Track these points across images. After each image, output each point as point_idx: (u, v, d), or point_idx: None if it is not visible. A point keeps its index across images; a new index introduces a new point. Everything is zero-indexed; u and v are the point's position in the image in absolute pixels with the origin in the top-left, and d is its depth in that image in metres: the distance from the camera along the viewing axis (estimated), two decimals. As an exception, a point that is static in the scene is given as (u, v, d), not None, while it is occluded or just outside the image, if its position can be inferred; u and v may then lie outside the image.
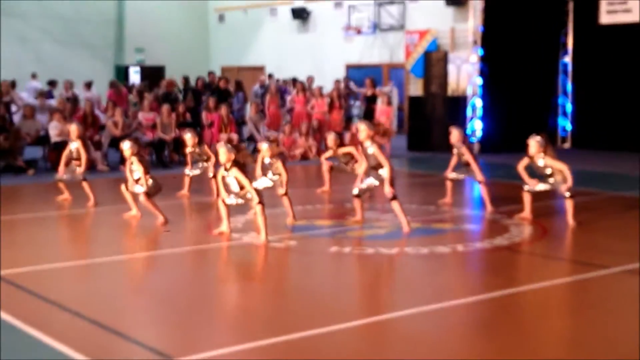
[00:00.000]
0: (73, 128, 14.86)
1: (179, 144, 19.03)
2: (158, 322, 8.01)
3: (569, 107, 25.54)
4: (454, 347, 7.21)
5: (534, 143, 12.62)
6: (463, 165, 14.30)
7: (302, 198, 15.05)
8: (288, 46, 34.51)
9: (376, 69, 31.43)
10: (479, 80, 23.59)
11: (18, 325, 7.54)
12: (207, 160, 15.29)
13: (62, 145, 15.17)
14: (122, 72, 35.16)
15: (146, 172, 12.80)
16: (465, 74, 26.07)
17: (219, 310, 8.53)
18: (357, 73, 30.80)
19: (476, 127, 23.52)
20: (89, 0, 34.82)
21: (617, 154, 22.77)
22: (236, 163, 11.30)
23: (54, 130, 19.40)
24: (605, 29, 23.87)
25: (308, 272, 10.32)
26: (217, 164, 12.61)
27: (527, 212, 12.99)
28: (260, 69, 34.08)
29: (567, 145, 25.43)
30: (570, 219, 12.56)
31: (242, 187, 11.34)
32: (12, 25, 32.85)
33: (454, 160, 14.44)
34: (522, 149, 12.87)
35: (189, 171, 15.57)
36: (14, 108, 22.20)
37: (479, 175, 14.09)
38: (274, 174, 13.09)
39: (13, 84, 23.95)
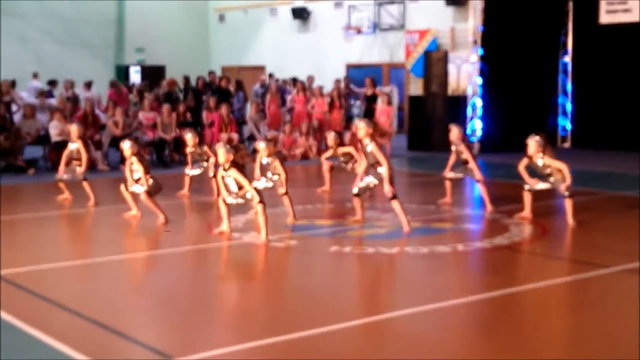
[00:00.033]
0: (73, 128, 14.87)
1: (180, 143, 19.04)
2: (158, 322, 8.01)
3: (568, 107, 25.57)
4: (454, 347, 7.21)
5: (533, 143, 12.64)
6: (462, 164, 14.32)
7: (303, 197, 15.05)
8: (288, 46, 34.53)
9: (376, 69, 31.46)
10: (479, 80, 23.61)
11: (18, 325, 7.54)
12: (208, 160, 15.30)
13: (63, 144, 15.18)
14: (122, 72, 35.16)
15: (146, 171, 12.82)
16: (465, 74, 26.10)
17: (219, 309, 8.53)
18: (357, 73, 30.82)
19: (476, 126, 23.54)
20: (90, 1, 34.83)
21: (617, 153, 22.79)
22: (235, 164, 11.30)
23: (54, 130, 19.41)
24: (605, 29, 23.90)
25: (308, 272, 10.32)
26: (217, 164, 12.61)
27: (527, 212, 13.01)
28: (261, 69, 34.09)
29: (567, 144, 25.45)
30: (569, 219, 12.57)
31: (240, 188, 11.35)
32: (12, 25, 32.86)
33: (452, 159, 14.46)
34: (522, 149, 12.87)
35: (189, 171, 15.58)
36: (14, 108, 22.19)
37: (478, 175, 14.12)
38: (273, 174, 13.09)
39: (13, 84, 23.94)
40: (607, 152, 23.16)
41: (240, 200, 11.42)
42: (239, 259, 10.99)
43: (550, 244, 11.83)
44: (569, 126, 25.62)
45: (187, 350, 6.84)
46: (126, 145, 13.03)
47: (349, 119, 24.79)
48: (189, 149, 15.56)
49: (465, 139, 14.72)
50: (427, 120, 24.31)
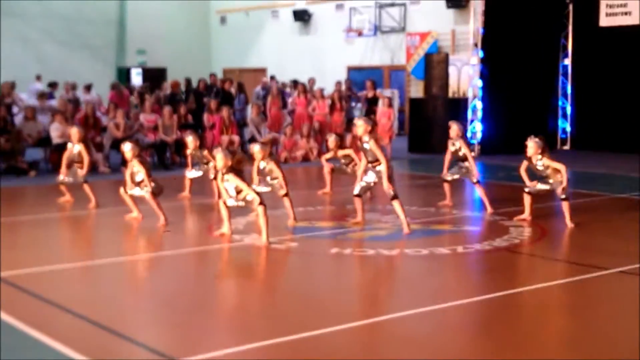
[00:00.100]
0: (74, 131, 14.90)
1: (181, 145, 19.06)
2: (159, 323, 8.05)
3: (568, 109, 25.59)
4: (454, 348, 7.24)
5: (533, 144, 12.70)
6: (459, 161, 14.35)
7: (303, 200, 15.08)
8: (289, 48, 34.58)
9: (377, 71, 31.50)
10: (480, 83, 23.63)
11: (19, 326, 7.57)
12: (208, 163, 15.32)
13: (64, 147, 15.20)
14: (123, 74, 35.22)
15: (148, 173, 12.88)
16: (465, 76, 26.15)
17: (220, 311, 8.56)
18: (358, 75, 30.88)
19: (477, 129, 23.56)
20: (91, 1, 34.86)
21: (616, 155, 22.80)
22: (233, 168, 11.34)
23: (55, 132, 19.45)
24: (604, 32, 23.90)
25: (309, 274, 10.35)
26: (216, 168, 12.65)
27: (527, 214, 13.06)
28: (262, 71, 34.14)
29: (566, 147, 25.48)
30: (567, 221, 12.62)
31: (239, 192, 11.38)
32: (13, 25, 32.90)
33: (448, 157, 14.51)
34: (522, 151, 12.91)
35: (189, 173, 15.62)
36: (15, 109, 22.23)
37: (475, 175, 14.20)
38: (272, 179, 13.10)
39: (12, 85, 23.95)
40: (606, 154, 23.17)
41: (241, 204, 11.45)
42: (240, 260, 11.01)
43: (549, 246, 11.88)
44: (568, 128, 25.64)
45: (188, 352, 6.87)
46: (127, 148, 13.07)
47: (350, 121, 24.80)
48: (189, 151, 15.59)
49: (465, 135, 14.77)
50: (428, 122, 24.32)
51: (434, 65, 24.86)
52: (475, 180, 14.29)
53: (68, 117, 20.20)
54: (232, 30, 37.61)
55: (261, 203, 11.21)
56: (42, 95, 23.22)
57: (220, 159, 11.31)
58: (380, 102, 23.87)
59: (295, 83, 26.50)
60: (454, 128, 14.39)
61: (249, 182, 11.63)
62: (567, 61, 25.47)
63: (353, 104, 25.45)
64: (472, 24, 24.04)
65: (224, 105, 22.58)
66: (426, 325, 7.90)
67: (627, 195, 16.03)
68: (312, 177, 19.61)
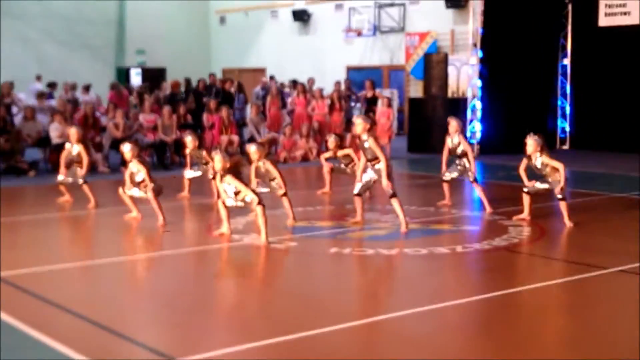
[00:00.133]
0: (73, 131, 14.91)
1: (180, 145, 19.07)
2: (159, 323, 8.06)
3: (567, 109, 25.60)
4: (453, 347, 7.25)
5: (532, 142, 12.73)
6: (457, 158, 14.37)
7: (303, 199, 15.10)
8: (289, 48, 34.60)
9: (376, 71, 31.53)
10: (479, 82, 23.64)
11: (19, 326, 7.58)
12: (207, 163, 15.33)
13: (63, 147, 15.19)
14: (123, 74, 35.24)
15: (149, 173, 12.91)
16: (465, 76, 26.17)
17: (219, 311, 8.58)
18: (358, 75, 30.91)
19: (476, 128, 23.58)
20: (91, 2, 34.89)
21: (615, 155, 22.83)
22: (231, 170, 11.36)
23: (54, 132, 19.46)
24: (603, 32, 23.92)
25: (308, 273, 10.36)
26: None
27: (526, 214, 13.08)
28: (261, 71, 34.17)
29: (566, 146, 25.50)
30: (566, 221, 12.63)
31: (237, 193, 11.40)
32: (13, 26, 32.93)
33: (445, 153, 14.54)
34: (522, 151, 12.93)
35: (188, 173, 15.65)
36: (14, 110, 22.24)
37: (473, 172, 14.24)
38: (270, 179, 13.11)
39: (11, 85, 23.95)
40: (605, 154, 23.21)
41: (240, 204, 11.47)
42: (239, 260, 11.02)
43: (548, 246, 11.89)
44: (568, 128, 25.66)
45: (187, 351, 6.88)
46: (126, 149, 13.10)
47: (349, 121, 24.82)
48: (188, 151, 15.61)
49: (464, 131, 14.81)
50: (427, 122, 24.33)
51: (433, 65, 24.88)
52: (472, 179, 14.31)
53: (67, 117, 20.22)
54: (231, 30, 37.63)
55: (260, 203, 11.23)
56: (40, 95, 23.24)
57: (218, 161, 11.32)
58: (379, 102, 23.89)
59: (294, 83, 26.52)
60: (453, 124, 14.43)
61: (247, 183, 11.64)
62: (566, 61, 25.49)
63: (352, 103, 25.47)
64: (472, 24, 24.05)
65: (224, 105, 22.59)
66: (425, 324, 7.91)
67: (626, 195, 16.05)
68: (312, 177, 19.63)
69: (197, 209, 14.80)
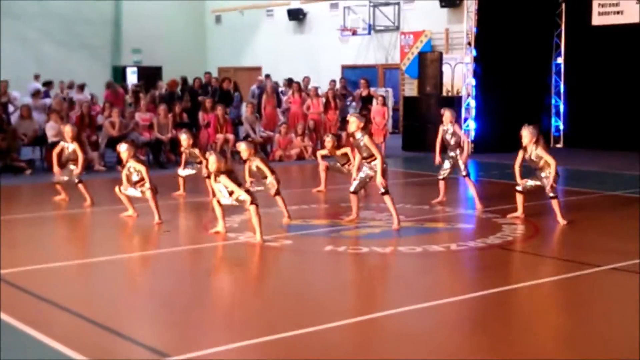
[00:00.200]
0: (67, 129, 14.90)
1: (176, 144, 19.10)
2: (155, 321, 8.11)
3: (561, 108, 25.67)
4: (448, 345, 7.31)
5: (527, 133, 12.70)
6: (451, 150, 14.43)
7: (298, 198, 15.15)
8: (284, 47, 34.61)
9: (371, 70, 31.57)
10: (473, 81, 23.71)
11: (15, 324, 7.62)
12: (201, 162, 15.35)
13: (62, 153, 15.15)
14: (119, 73, 35.25)
15: (148, 172, 12.99)
16: (459, 75, 26.18)
17: (215, 309, 8.63)
18: (353, 74, 30.94)
19: (470, 127, 23.63)
20: (88, 2, 34.91)
21: (609, 153, 22.90)
22: (224, 170, 11.42)
23: (50, 131, 19.49)
24: (597, 30, 23.98)
25: (303, 271, 10.42)
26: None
27: (519, 212, 13.11)
28: (257, 70, 34.18)
29: (559, 145, 25.54)
30: (559, 219, 12.67)
31: (231, 193, 11.46)
32: (12, 26, 32.95)
33: (439, 142, 14.58)
34: (516, 149, 12.95)
35: (182, 172, 15.70)
36: (11, 108, 22.27)
37: (465, 166, 14.35)
38: (262, 178, 13.15)
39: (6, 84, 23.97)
40: (599, 152, 23.25)
41: (235, 203, 11.53)
42: (235, 258, 11.06)
43: (542, 244, 11.96)
44: (561, 126, 25.71)
45: (183, 349, 6.93)
46: (123, 148, 13.16)
47: (344, 120, 24.84)
48: (183, 149, 15.64)
49: (458, 121, 14.85)
50: (422, 121, 24.34)
51: (428, 64, 24.91)
52: (465, 173, 14.39)
53: (63, 116, 20.25)
54: (227, 29, 37.65)
55: (252, 202, 11.28)
56: (36, 94, 23.28)
57: (213, 161, 11.38)
58: (374, 101, 23.94)
59: (290, 82, 26.55)
60: (447, 114, 14.51)
61: (241, 183, 11.69)
62: (560, 60, 25.54)
63: (348, 102, 25.51)
64: (466, 23, 24.09)
65: (221, 104, 22.65)
66: (420, 322, 7.97)
67: (619, 193, 16.11)
68: (307, 175, 19.69)
69: (192, 207, 14.84)
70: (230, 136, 21.80)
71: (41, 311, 8.27)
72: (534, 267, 10.58)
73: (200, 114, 22.39)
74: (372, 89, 25.34)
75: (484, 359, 6.91)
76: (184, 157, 15.75)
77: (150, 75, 32.62)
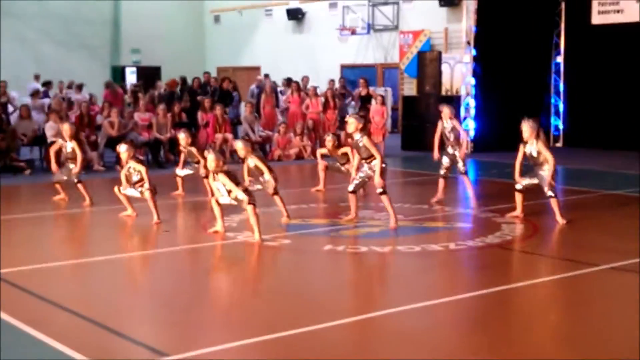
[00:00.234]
0: (66, 127, 14.90)
1: (175, 144, 19.11)
2: (154, 321, 8.12)
3: (561, 107, 25.68)
4: (447, 344, 7.31)
5: (527, 127, 12.64)
6: (450, 146, 14.42)
7: (297, 197, 15.16)
8: (283, 47, 34.64)
9: (370, 69, 31.59)
10: (472, 80, 23.73)
11: (15, 323, 7.63)
12: (198, 162, 15.35)
13: (60, 151, 15.14)
14: (118, 73, 35.28)
15: (147, 173, 12.99)
16: (458, 74, 26.21)
17: (213, 308, 8.63)
18: (352, 73, 30.96)
19: (469, 126, 23.63)
20: (87, 2, 34.92)
21: (608, 152, 22.92)
22: (223, 169, 11.42)
23: (50, 131, 19.49)
24: (597, 29, 23.99)
25: (302, 270, 10.42)
26: (206, 168, 12.70)
27: (518, 211, 13.10)
28: (256, 70, 34.20)
29: (559, 144, 25.55)
30: (558, 217, 12.64)
31: (230, 192, 11.46)
32: (11, 26, 32.97)
33: (437, 137, 14.58)
34: (515, 148, 12.92)
35: (180, 171, 15.71)
36: (10, 108, 22.29)
37: (463, 162, 14.38)
38: (260, 176, 13.15)
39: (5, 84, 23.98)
40: (599, 151, 23.26)
41: (233, 202, 11.54)
42: (233, 258, 11.07)
43: (541, 243, 11.97)
44: (561, 126, 25.73)
45: (182, 348, 6.93)
46: (123, 149, 13.17)
47: (343, 119, 24.84)
48: (181, 147, 15.63)
49: (457, 116, 14.84)
50: (421, 120, 24.34)
51: (427, 63, 24.92)
52: (462, 171, 14.39)
53: (63, 116, 20.25)
54: (226, 29, 37.67)
55: (250, 202, 11.28)
56: (35, 94, 23.29)
57: (211, 160, 11.39)
58: (373, 100, 23.95)
59: (289, 81, 26.57)
60: (446, 111, 14.51)
61: (239, 182, 11.68)
62: (560, 59, 25.57)
63: (347, 101, 25.51)
64: (465, 22, 24.14)
65: (222, 103, 22.68)
66: (419, 321, 7.97)
67: (619, 192, 16.10)
68: (306, 174, 19.69)
69: (191, 207, 14.86)
70: (229, 136, 21.80)
71: (40, 310, 8.28)
72: (533, 266, 10.59)
73: (199, 114, 22.42)
74: (371, 89, 25.37)
75: (483, 358, 6.89)
76: (182, 156, 15.75)
77: (149, 75, 32.65)
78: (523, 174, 12.92)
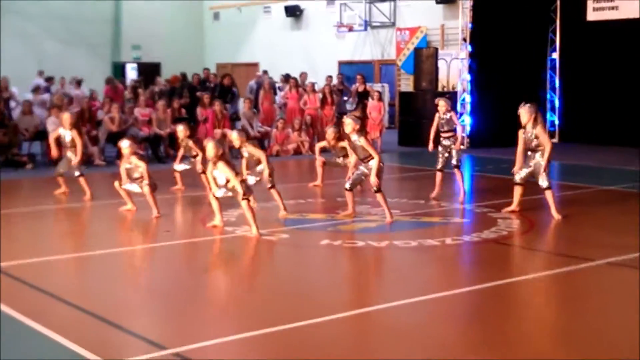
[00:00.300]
0: (66, 117, 14.95)
1: (174, 139, 19.18)
2: (153, 314, 8.19)
3: (557, 103, 25.75)
4: (442, 338, 7.36)
5: (524, 111, 12.71)
6: (445, 138, 14.53)
7: (295, 192, 15.23)
8: (281, 43, 34.68)
9: (368, 66, 31.67)
10: (468, 77, 23.81)
11: (16, 316, 7.70)
12: (196, 156, 15.43)
13: (59, 138, 15.15)
14: (119, 69, 35.32)
15: (147, 169, 13.09)
16: (455, 70, 26.28)
17: (212, 301, 8.71)
18: (349, 69, 31.02)
19: (466, 122, 23.71)
20: (88, 0, 34.96)
21: (604, 148, 22.97)
22: (222, 157, 11.52)
23: (52, 126, 19.52)
24: (592, 26, 24.05)
25: (299, 265, 10.48)
26: (205, 158, 12.80)
27: (514, 205, 13.11)
28: (254, 66, 34.26)
29: (555, 140, 25.58)
30: (553, 212, 12.68)
31: (228, 181, 11.54)
32: (13, 23, 33.01)
33: (434, 129, 14.70)
34: (511, 144, 12.98)
35: (177, 166, 15.78)
36: (12, 104, 22.38)
37: (457, 155, 14.48)
38: (256, 164, 13.24)
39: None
40: (594, 147, 23.28)
41: (229, 193, 11.60)
42: (232, 252, 11.16)
43: (537, 238, 12.01)
44: (557, 122, 25.78)
45: (180, 341, 7.00)
46: (125, 145, 13.23)
47: (342, 115, 24.90)
48: (180, 140, 15.69)
49: (454, 109, 14.89)
50: (417, 116, 24.38)
51: (424, 59, 24.96)
52: (455, 164, 14.48)
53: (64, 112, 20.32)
54: (225, 26, 37.74)
55: (244, 197, 11.36)
56: (36, 89, 23.39)
57: (211, 148, 11.45)
58: (370, 96, 24.01)
59: (287, 77, 26.64)
60: (442, 104, 14.60)
61: (238, 172, 11.76)
62: (555, 55, 25.62)
63: (345, 97, 25.59)
64: (461, 19, 24.21)
65: (222, 99, 22.77)
66: (415, 315, 8.02)
67: (615, 188, 16.13)
68: (304, 170, 19.75)
69: (190, 201, 14.90)
70: (228, 131, 21.86)
71: (41, 303, 8.36)
72: (529, 261, 10.68)
73: (199, 110, 22.48)
74: (368, 85, 25.45)
75: (479, 352, 6.95)
76: (180, 151, 15.81)
77: (149, 71, 32.70)
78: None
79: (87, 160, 16.62)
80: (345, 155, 15.15)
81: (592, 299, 8.74)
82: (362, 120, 12.85)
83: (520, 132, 12.80)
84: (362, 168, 12.61)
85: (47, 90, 25.37)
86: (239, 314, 8.09)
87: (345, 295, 9.01)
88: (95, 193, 14.67)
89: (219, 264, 10.76)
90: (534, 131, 12.63)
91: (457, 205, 14.28)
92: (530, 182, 13.03)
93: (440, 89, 25.61)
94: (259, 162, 13.24)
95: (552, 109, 25.79)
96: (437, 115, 14.63)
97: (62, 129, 14.94)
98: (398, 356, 6.80)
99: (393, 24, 31.08)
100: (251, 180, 12.95)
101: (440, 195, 14.60)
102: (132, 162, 13.09)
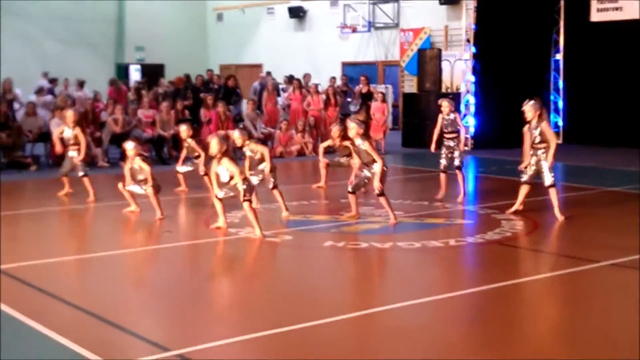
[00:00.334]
0: (69, 114, 14.93)
1: (178, 140, 19.20)
2: (156, 315, 8.19)
3: (560, 104, 25.72)
4: (446, 339, 7.36)
5: (529, 107, 12.67)
6: (448, 139, 14.51)
7: (298, 193, 15.24)
8: (285, 44, 34.67)
9: (371, 67, 31.66)
10: (472, 78, 23.80)
11: (19, 317, 7.71)
12: (198, 157, 15.43)
13: (63, 140, 15.15)
14: (122, 70, 35.34)
15: (150, 171, 13.09)
16: (458, 71, 26.28)
17: (215, 303, 8.72)
18: (353, 71, 31.02)
19: (469, 123, 23.70)
20: (90, 1, 35.00)
21: (608, 149, 22.95)
22: (226, 153, 11.51)
23: (55, 128, 19.57)
24: (596, 27, 24.05)
25: (303, 266, 10.49)
26: (207, 160, 12.79)
27: (517, 204, 13.08)
28: (258, 67, 34.26)
29: (559, 141, 25.41)
30: (556, 212, 12.65)
31: (232, 178, 11.52)
32: (15, 24, 33.02)
33: (437, 131, 14.68)
34: (515, 145, 12.99)
35: (180, 168, 15.78)
36: (16, 106, 22.41)
37: (461, 155, 14.46)
38: (260, 161, 13.24)
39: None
40: (598, 148, 23.27)
41: (231, 193, 11.60)
42: (235, 253, 11.17)
43: (540, 239, 12.00)
44: (560, 123, 25.74)
45: (184, 343, 7.00)
46: (130, 146, 13.23)
47: (346, 116, 24.90)
48: (183, 140, 15.70)
49: (457, 110, 14.88)
50: (421, 117, 24.38)
51: (427, 60, 24.97)
52: (458, 164, 14.46)
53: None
54: (228, 27, 37.73)
55: (245, 199, 11.34)
56: (40, 91, 23.41)
57: (215, 143, 11.44)
58: (374, 98, 24.02)
59: (290, 79, 26.64)
60: (445, 104, 14.60)
61: (242, 170, 11.76)
62: (559, 56, 25.57)
63: (349, 99, 25.59)
64: (465, 20, 24.20)
65: (226, 101, 22.79)
66: (419, 317, 8.02)
67: (618, 189, 16.10)
68: (307, 171, 19.78)
69: (193, 203, 14.89)
70: (232, 132, 21.87)
71: (44, 304, 8.37)
72: (533, 262, 10.68)
73: (202, 111, 22.49)
74: (371, 86, 25.44)
75: (482, 353, 6.95)
76: (183, 152, 15.79)
77: (153, 72, 32.69)
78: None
79: (90, 162, 16.61)
80: (349, 155, 15.16)
81: (596, 300, 8.73)
82: (366, 123, 12.81)
83: (526, 128, 12.79)
84: (365, 172, 12.61)
85: (51, 91, 25.40)
86: (242, 316, 8.09)
87: (349, 297, 9.01)
88: (98, 194, 14.68)
89: (222, 265, 10.77)
90: (539, 127, 12.60)
91: (463, 207, 14.26)
92: (534, 183, 13.03)
93: (444, 90, 25.62)
94: (262, 160, 13.24)
95: (556, 110, 25.75)
96: (440, 115, 14.62)
97: (65, 127, 14.93)
98: (401, 357, 6.79)
99: (397, 25, 31.06)
100: (254, 180, 12.95)
101: (445, 196, 14.57)
102: (136, 164, 13.09)
